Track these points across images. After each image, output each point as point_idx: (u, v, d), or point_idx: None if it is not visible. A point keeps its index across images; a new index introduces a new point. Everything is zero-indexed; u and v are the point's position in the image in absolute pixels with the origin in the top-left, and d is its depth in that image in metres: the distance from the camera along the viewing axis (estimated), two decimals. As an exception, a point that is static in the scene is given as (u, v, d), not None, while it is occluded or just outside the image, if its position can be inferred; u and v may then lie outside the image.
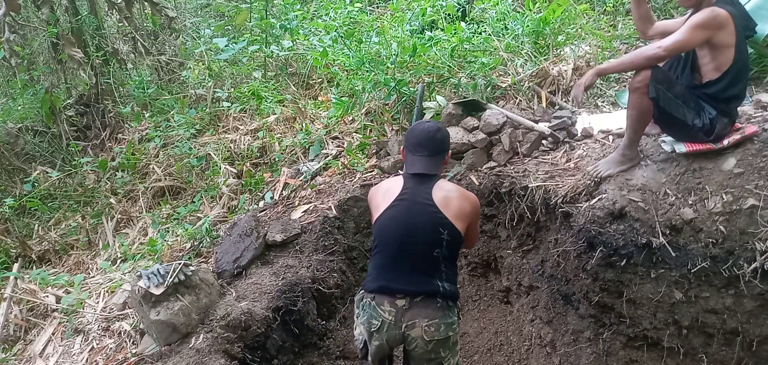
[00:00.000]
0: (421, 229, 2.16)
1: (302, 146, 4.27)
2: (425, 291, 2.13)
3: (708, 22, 2.27)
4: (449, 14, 4.77)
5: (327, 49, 4.38)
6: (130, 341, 2.89)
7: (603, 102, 3.87)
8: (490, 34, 4.41)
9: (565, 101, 3.81)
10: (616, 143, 3.01)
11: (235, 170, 4.28)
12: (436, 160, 2.29)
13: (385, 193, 2.29)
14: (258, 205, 3.82)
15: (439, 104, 3.78)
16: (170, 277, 2.67)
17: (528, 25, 4.30)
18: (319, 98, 4.99)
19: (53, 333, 3.11)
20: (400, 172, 2.66)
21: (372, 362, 2.33)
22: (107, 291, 3.33)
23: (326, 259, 3.38)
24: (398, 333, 2.15)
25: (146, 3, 5.54)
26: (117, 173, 4.65)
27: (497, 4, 4.76)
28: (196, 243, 3.54)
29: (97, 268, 3.73)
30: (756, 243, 2.24)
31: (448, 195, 2.22)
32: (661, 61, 2.37)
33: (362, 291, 2.28)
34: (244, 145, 4.41)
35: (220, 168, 4.23)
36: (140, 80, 5.38)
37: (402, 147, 2.40)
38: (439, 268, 2.16)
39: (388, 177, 3.45)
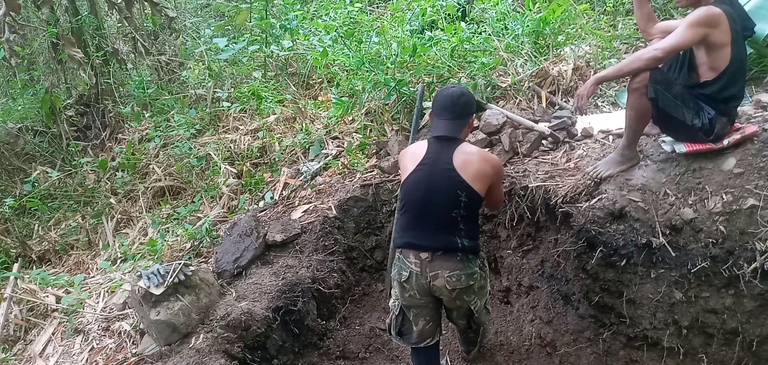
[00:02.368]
0: (441, 191, 2.35)
1: (302, 146, 4.27)
2: (445, 247, 2.35)
3: (703, 20, 2.27)
4: (449, 14, 4.77)
5: (327, 49, 4.38)
6: (130, 341, 2.89)
7: (603, 102, 3.87)
8: (490, 34, 4.40)
9: (565, 101, 3.81)
10: (616, 143, 3.00)
11: (235, 170, 4.28)
12: (460, 123, 2.43)
13: (412, 156, 2.48)
14: (258, 205, 3.82)
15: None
16: (170, 277, 2.67)
17: (528, 25, 4.29)
18: (319, 98, 4.99)
19: (53, 333, 3.11)
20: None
21: (415, 322, 2.54)
22: (107, 291, 3.33)
23: (326, 259, 3.38)
24: (425, 282, 2.38)
25: (146, 3, 5.54)
26: (117, 173, 4.65)
27: (497, 4, 4.76)
28: (196, 243, 3.54)
29: (97, 268, 3.73)
30: (756, 243, 2.24)
31: (468, 158, 2.37)
32: (660, 63, 2.37)
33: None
34: (244, 145, 4.42)
35: (220, 168, 4.23)
36: (140, 80, 5.39)
37: (430, 112, 2.53)
38: (458, 226, 2.35)
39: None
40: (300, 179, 3.91)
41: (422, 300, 2.47)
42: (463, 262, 2.36)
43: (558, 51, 4.26)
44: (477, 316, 2.55)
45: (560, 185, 2.94)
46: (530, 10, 4.40)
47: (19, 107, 5.68)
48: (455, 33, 4.21)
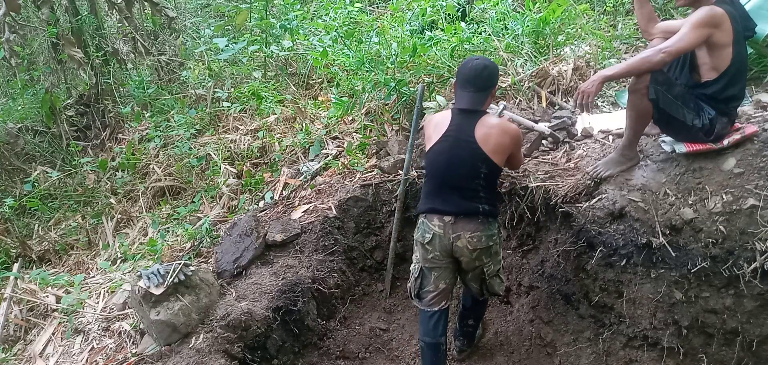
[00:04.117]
0: (463, 163, 2.51)
1: (302, 146, 4.27)
2: (466, 211, 2.52)
3: (706, 20, 2.27)
4: (449, 14, 4.76)
5: (327, 49, 4.38)
6: (130, 341, 2.89)
7: (603, 102, 3.87)
8: (490, 34, 4.40)
9: (565, 101, 3.81)
10: (616, 143, 3.01)
11: (235, 170, 4.28)
12: (482, 95, 2.56)
13: (436, 126, 2.62)
14: (258, 205, 3.82)
15: (439, 104, 3.78)
16: (170, 277, 2.67)
17: (528, 25, 4.29)
18: (319, 98, 4.98)
19: (53, 333, 3.11)
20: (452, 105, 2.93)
21: (434, 284, 2.67)
22: (107, 291, 3.33)
23: (326, 259, 3.38)
24: (448, 243, 2.55)
25: (146, 3, 5.54)
26: (117, 173, 4.65)
27: (497, 4, 4.76)
28: (196, 243, 3.54)
29: (97, 268, 3.73)
30: (756, 243, 2.24)
31: (489, 131, 2.51)
32: (665, 65, 2.36)
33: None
34: (244, 145, 4.42)
35: (220, 168, 4.23)
36: (140, 80, 5.38)
37: (454, 82, 2.65)
38: (478, 194, 2.53)
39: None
40: (300, 179, 3.91)
41: (444, 261, 2.62)
42: (484, 224, 2.52)
43: (558, 51, 4.26)
44: (489, 282, 2.68)
45: (560, 185, 2.94)
46: (530, 10, 4.40)
47: (19, 107, 5.67)
48: (455, 33, 4.21)
